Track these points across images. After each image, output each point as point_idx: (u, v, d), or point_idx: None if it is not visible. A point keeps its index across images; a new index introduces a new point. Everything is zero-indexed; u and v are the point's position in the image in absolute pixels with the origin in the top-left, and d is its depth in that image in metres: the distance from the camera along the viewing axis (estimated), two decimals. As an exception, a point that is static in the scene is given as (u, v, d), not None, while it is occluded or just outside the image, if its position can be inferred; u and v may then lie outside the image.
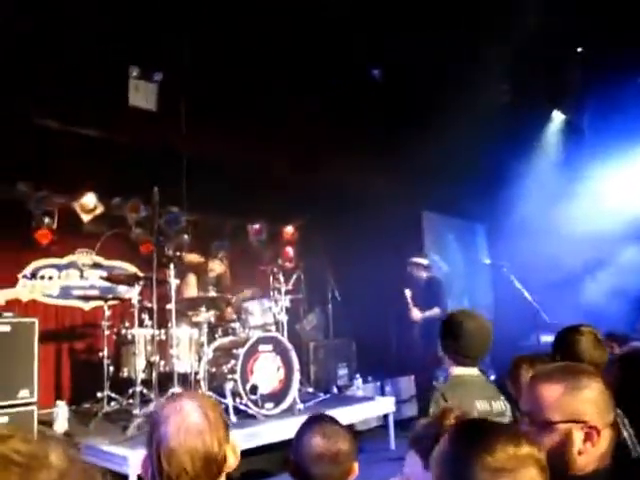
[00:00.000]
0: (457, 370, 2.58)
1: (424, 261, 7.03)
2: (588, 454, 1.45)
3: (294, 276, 7.08)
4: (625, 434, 1.82)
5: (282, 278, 6.54)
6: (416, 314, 6.71)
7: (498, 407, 2.51)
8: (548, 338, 6.72)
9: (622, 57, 5.98)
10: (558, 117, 7.67)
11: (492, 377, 7.37)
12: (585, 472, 1.45)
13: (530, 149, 7.82)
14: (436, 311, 6.57)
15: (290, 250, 8.17)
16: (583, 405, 1.48)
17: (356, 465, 1.91)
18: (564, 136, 7.79)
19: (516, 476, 1.09)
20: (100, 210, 6.60)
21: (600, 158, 7.19)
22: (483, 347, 2.62)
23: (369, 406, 6.31)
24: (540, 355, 2.97)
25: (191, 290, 6.27)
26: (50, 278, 6.43)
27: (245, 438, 4.83)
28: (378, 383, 7.42)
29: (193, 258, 6.55)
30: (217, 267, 6.58)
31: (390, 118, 7.06)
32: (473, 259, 9.88)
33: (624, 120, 6.74)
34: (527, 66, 5.98)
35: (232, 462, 1.48)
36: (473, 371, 2.62)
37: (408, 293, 6.77)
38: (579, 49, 6.04)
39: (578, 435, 1.46)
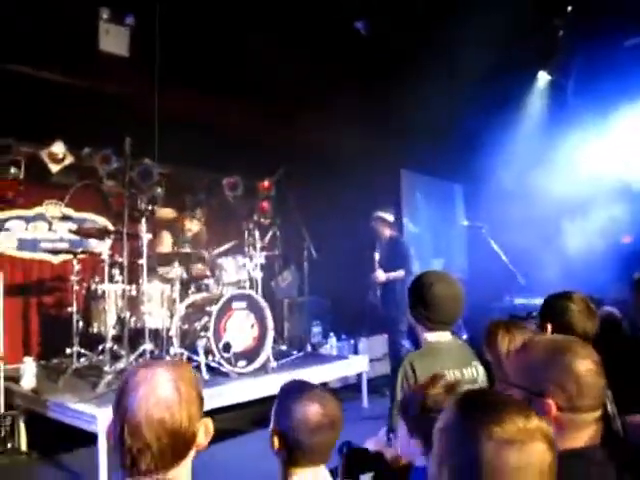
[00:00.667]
0: (429, 336, 2.50)
1: (389, 217, 6.70)
2: (556, 429, 1.41)
3: (269, 233, 6.97)
4: (609, 408, 1.78)
5: (257, 234, 6.42)
6: (380, 275, 6.44)
7: (470, 374, 2.46)
8: (522, 300, 6.81)
9: (610, 19, 5.86)
10: (543, 78, 7.54)
11: (464, 336, 7.45)
12: (565, 448, 1.40)
13: (513, 110, 7.71)
14: (401, 273, 6.31)
15: (266, 205, 8.03)
16: (548, 380, 1.47)
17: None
18: (548, 98, 7.69)
19: (525, 449, 1.04)
20: (69, 160, 6.37)
21: (583, 122, 7.13)
22: (455, 311, 2.51)
23: (343, 364, 6.33)
24: (516, 321, 2.93)
25: (165, 248, 6.11)
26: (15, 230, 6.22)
27: (218, 396, 4.81)
28: (352, 341, 7.43)
29: (167, 213, 6.39)
30: (194, 227, 6.43)
31: (370, 75, 6.87)
32: (450, 220, 9.86)
33: (609, 84, 6.65)
34: (514, 25, 5.81)
35: (202, 440, 1.38)
36: (446, 336, 2.54)
37: (377, 255, 6.56)
38: (569, 8, 5.89)
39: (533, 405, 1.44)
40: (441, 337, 2.50)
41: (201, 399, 1.38)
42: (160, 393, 1.30)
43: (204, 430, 1.38)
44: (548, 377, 1.48)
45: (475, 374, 2.46)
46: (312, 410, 1.76)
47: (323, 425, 1.76)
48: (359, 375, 6.46)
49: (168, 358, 5.03)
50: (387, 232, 6.62)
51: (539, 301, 2.83)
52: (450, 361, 2.42)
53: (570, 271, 6.82)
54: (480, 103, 6.79)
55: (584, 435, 1.45)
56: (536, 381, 1.49)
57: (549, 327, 2.31)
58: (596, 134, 7.20)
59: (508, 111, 7.56)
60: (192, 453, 1.38)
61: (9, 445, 4.77)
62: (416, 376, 2.31)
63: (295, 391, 1.85)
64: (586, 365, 1.47)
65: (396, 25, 6.22)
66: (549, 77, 7.52)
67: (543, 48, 6.74)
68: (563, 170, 7.14)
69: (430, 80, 6.56)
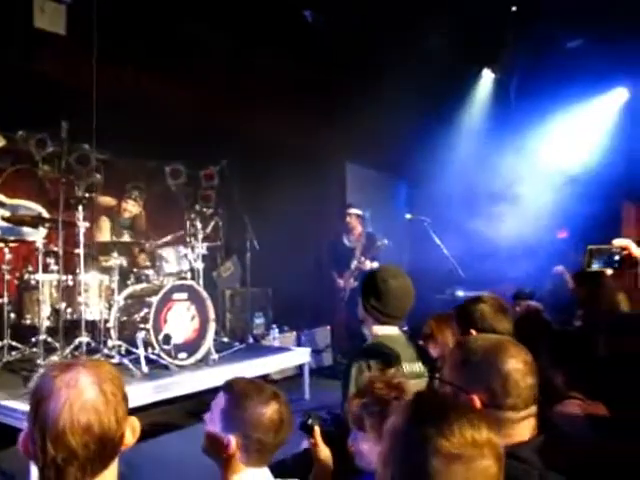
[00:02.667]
0: (380, 330, 2.52)
1: (362, 213, 7.22)
2: None
3: (212, 223, 6.86)
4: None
5: (199, 224, 6.30)
6: (369, 264, 6.79)
7: (417, 368, 2.49)
8: (462, 293, 6.94)
9: (553, 21, 6.01)
10: (488, 76, 7.68)
11: (404, 327, 7.58)
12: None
13: (458, 106, 7.83)
14: (368, 264, 6.78)
15: (210, 194, 7.89)
16: (472, 376, 1.50)
17: None
18: (492, 96, 7.84)
19: (472, 465, 1.01)
20: (1, 143, 6.07)
21: (524, 119, 7.31)
22: (406, 306, 2.58)
23: (285, 356, 6.30)
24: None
25: (104, 234, 5.93)
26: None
27: (157, 389, 4.71)
28: (294, 333, 7.41)
29: (107, 201, 6.19)
30: (131, 207, 6.25)
31: (317, 67, 6.83)
32: (393, 213, 9.95)
33: (550, 84, 6.83)
34: (461, 22, 5.89)
35: (130, 441, 1.31)
36: (395, 330, 2.58)
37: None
38: (514, 8, 6.00)
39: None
40: (390, 331, 2.52)
41: (126, 399, 1.31)
42: (84, 397, 1.21)
43: (131, 430, 1.32)
44: (476, 374, 1.50)
45: (422, 369, 2.50)
46: (273, 409, 1.76)
47: (284, 423, 1.76)
48: (301, 367, 6.45)
49: (98, 356, 4.90)
50: (360, 227, 7.17)
51: (479, 293, 2.87)
52: (398, 355, 2.43)
53: (507, 265, 7.00)
54: (426, 99, 6.86)
55: (510, 433, 1.46)
56: (465, 378, 1.51)
57: (473, 332, 2.35)
58: (536, 132, 7.39)
59: (453, 108, 7.68)
60: (118, 455, 1.31)
61: None
62: (370, 370, 2.32)
63: (249, 391, 1.80)
64: (515, 364, 1.49)
65: (344, 17, 6.19)
66: (493, 75, 7.66)
67: (488, 46, 6.85)
68: (505, 167, 7.31)
69: (377, 75, 6.60)
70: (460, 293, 6.80)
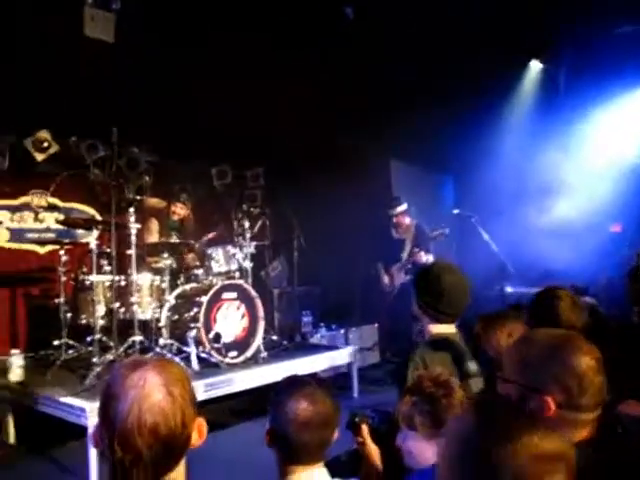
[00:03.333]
0: (436, 328, 2.46)
1: (404, 207, 6.96)
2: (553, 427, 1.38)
3: (259, 222, 6.92)
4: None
5: (247, 224, 6.37)
6: (424, 256, 6.52)
7: (473, 368, 2.42)
8: (512, 289, 6.81)
9: (601, 7, 5.82)
10: (535, 67, 7.49)
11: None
12: None
13: (505, 98, 7.67)
14: (422, 255, 6.50)
15: (256, 193, 7.96)
16: (547, 377, 1.41)
17: (337, 431, 1.83)
18: (540, 87, 7.64)
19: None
20: (55, 149, 6.28)
21: (575, 111, 7.11)
22: (463, 303, 2.48)
23: (333, 354, 6.29)
24: (508, 313, 2.91)
25: (153, 236, 6.05)
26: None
27: (208, 387, 4.78)
28: (342, 331, 7.41)
29: (155, 203, 6.31)
30: (180, 210, 6.35)
31: (359, 65, 6.78)
32: (440, 209, 9.84)
33: (600, 73, 6.62)
34: (508, 12, 5.76)
35: (197, 442, 1.32)
36: (451, 329, 2.51)
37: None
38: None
39: (528, 403, 1.41)
40: (448, 329, 2.46)
41: (194, 400, 1.31)
42: (152, 399, 1.22)
43: (198, 431, 1.33)
44: (548, 373, 1.41)
45: (476, 368, 2.43)
46: (301, 407, 1.74)
47: (311, 423, 1.73)
48: (348, 365, 6.44)
49: (151, 355, 4.99)
50: (407, 220, 6.93)
51: (528, 289, 2.81)
52: (458, 354, 2.38)
53: (558, 259, 6.83)
54: (472, 92, 6.74)
55: (579, 434, 1.40)
56: (534, 377, 1.43)
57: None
58: (587, 122, 7.18)
59: (500, 100, 7.52)
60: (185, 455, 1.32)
61: (-3, 439, 4.73)
62: (427, 369, 2.28)
63: (288, 387, 1.83)
64: (588, 362, 1.41)
65: (384, 13, 6.13)
66: (541, 66, 7.48)
67: (535, 36, 6.69)
68: (555, 160, 7.13)
69: (421, 69, 6.52)
70: (509, 289, 6.66)
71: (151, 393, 1.23)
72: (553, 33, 6.64)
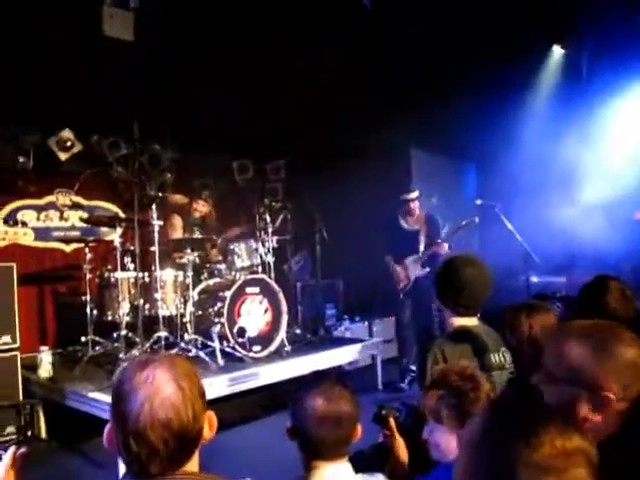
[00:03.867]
0: (457, 321, 2.45)
1: (417, 193, 6.54)
2: (593, 424, 1.35)
3: (281, 216, 6.93)
4: None
5: (269, 218, 6.39)
6: (446, 247, 6.19)
7: (498, 360, 2.40)
8: (537, 279, 6.74)
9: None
10: (557, 52, 7.36)
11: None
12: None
13: (527, 85, 7.55)
14: (445, 247, 6.20)
15: (278, 187, 7.97)
16: (602, 371, 1.37)
17: (359, 427, 1.83)
18: (563, 73, 7.51)
19: (562, 476, 0.93)
20: (78, 148, 6.35)
21: (597, 97, 6.98)
22: (484, 295, 2.47)
23: (357, 347, 6.30)
24: (538, 304, 2.87)
25: (177, 232, 6.08)
26: (26, 223, 6.20)
27: (233, 382, 4.81)
28: (366, 323, 7.41)
29: (178, 199, 6.35)
30: (202, 207, 6.38)
31: (378, 52, 6.73)
32: (463, 199, 9.76)
33: (623, 58, 6.49)
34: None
35: (208, 435, 1.35)
36: (473, 321, 2.50)
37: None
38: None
39: (585, 401, 1.37)
40: (469, 322, 2.45)
41: (203, 394, 1.34)
42: (162, 394, 1.24)
43: (209, 424, 1.35)
44: (601, 367, 1.38)
45: (503, 360, 2.41)
46: (317, 403, 1.75)
47: (326, 419, 1.74)
48: (373, 357, 6.44)
49: (176, 350, 5.05)
50: (419, 209, 6.55)
51: (553, 279, 2.78)
52: (478, 346, 2.37)
53: (582, 248, 6.74)
54: (493, 79, 6.66)
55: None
56: (587, 373, 1.39)
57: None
58: (610, 108, 7.05)
59: (521, 87, 7.41)
60: (199, 448, 1.35)
61: (29, 433, 4.81)
62: (446, 362, 2.27)
63: (308, 384, 1.84)
64: (635, 350, 1.39)
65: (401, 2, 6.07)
66: (563, 51, 7.34)
67: (557, 21, 6.57)
68: (578, 147, 7.02)
69: (440, 57, 6.44)
70: (534, 279, 6.59)
71: (161, 389, 1.25)
72: (574, 18, 6.52)
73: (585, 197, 7.17)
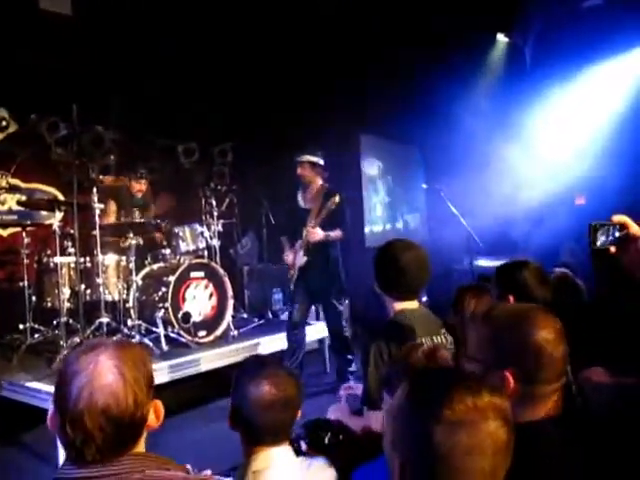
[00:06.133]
0: (398, 306, 2.47)
1: (320, 161, 5.31)
2: (516, 402, 1.38)
3: (227, 200, 6.85)
4: (569, 378, 1.77)
5: (214, 202, 6.30)
6: (318, 232, 5.04)
7: (440, 342, 2.44)
8: (481, 262, 6.89)
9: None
10: (502, 40, 7.48)
11: (424, 299, 7.53)
12: (524, 420, 1.38)
13: (472, 73, 7.65)
14: (339, 234, 5.12)
15: (224, 171, 7.85)
16: (503, 352, 1.42)
17: (300, 410, 1.83)
18: (507, 61, 7.64)
19: (476, 429, 0.98)
20: (14, 128, 6.08)
21: (541, 84, 7.13)
22: (423, 279, 2.51)
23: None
24: (484, 286, 2.93)
25: (110, 217, 5.87)
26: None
27: (178, 367, 4.74)
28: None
29: (110, 182, 6.17)
30: (143, 186, 6.19)
31: (326, 39, 6.70)
32: (409, 183, 9.88)
33: (567, 47, 6.64)
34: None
35: (153, 423, 1.32)
36: (414, 304, 2.53)
37: (301, 203, 5.28)
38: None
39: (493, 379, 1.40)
40: (410, 305, 2.47)
41: (150, 381, 1.31)
42: (103, 380, 1.22)
43: (155, 413, 1.33)
44: (506, 348, 1.42)
45: (445, 341, 2.45)
46: (263, 390, 1.74)
47: (274, 405, 1.73)
48: (320, 341, 6.46)
49: (119, 336, 4.95)
50: (319, 181, 5.26)
51: (496, 262, 2.84)
52: (421, 329, 2.39)
53: (525, 233, 6.92)
54: (439, 66, 6.72)
55: (543, 407, 1.41)
56: (495, 353, 1.44)
57: (511, 298, 2.30)
58: (553, 96, 7.22)
59: (467, 74, 7.51)
60: (144, 435, 1.32)
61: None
62: (390, 349, 2.28)
63: (250, 369, 1.82)
64: (545, 334, 1.41)
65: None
66: (507, 40, 7.47)
67: (501, 9, 6.67)
68: (520, 132, 7.18)
69: (390, 43, 6.46)
70: (480, 263, 6.73)
71: (102, 374, 1.23)
72: (520, 6, 6.63)
73: (528, 182, 7.35)
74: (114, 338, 4.72)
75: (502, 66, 7.71)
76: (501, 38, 7.49)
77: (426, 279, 2.51)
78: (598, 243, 1.58)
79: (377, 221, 9.68)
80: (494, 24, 7.28)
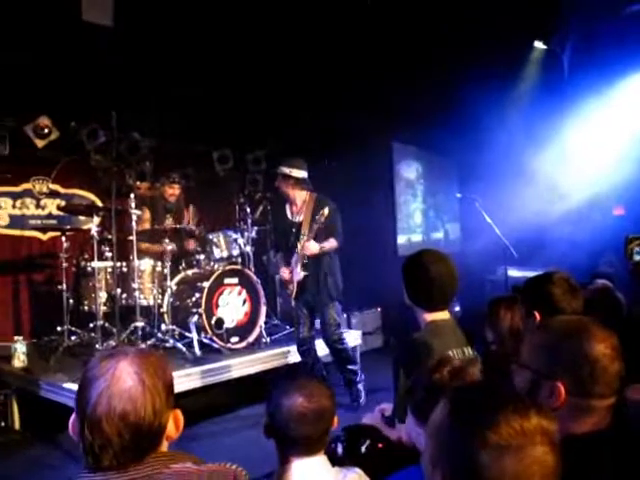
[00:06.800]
0: (430, 317, 2.44)
1: (300, 173, 5.07)
2: (565, 413, 1.36)
3: (261, 207, 6.90)
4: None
5: (249, 209, 6.36)
6: (312, 246, 4.87)
7: (469, 354, 2.41)
8: (515, 273, 6.79)
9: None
10: (539, 48, 7.37)
11: (457, 308, 7.46)
12: (572, 432, 1.36)
13: (508, 81, 7.57)
14: (333, 244, 4.99)
15: (258, 178, 7.93)
16: (555, 362, 1.41)
17: (336, 418, 1.83)
18: (544, 69, 7.53)
19: (523, 454, 0.94)
20: (55, 135, 6.23)
21: (579, 93, 7.01)
22: (453, 289, 2.46)
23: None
24: (516, 298, 2.89)
25: (144, 224, 5.90)
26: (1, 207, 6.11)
27: (210, 373, 4.79)
28: (345, 315, 7.40)
29: (144, 189, 6.27)
30: (176, 191, 6.25)
31: (363, 48, 6.71)
32: (443, 192, 9.80)
33: (606, 55, 6.52)
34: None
35: (172, 432, 1.33)
36: (445, 315, 2.50)
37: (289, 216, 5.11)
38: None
39: (542, 388, 1.41)
40: (441, 316, 2.45)
41: (169, 389, 1.32)
42: (122, 386, 1.23)
43: (174, 422, 1.33)
44: (560, 359, 1.41)
45: (472, 355, 2.42)
46: (296, 402, 1.74)
47: (307, 416, 1.73)
48: (352, 349, 6.43)
49: (153, 341, 5.03)
50: (301, 192, 5.08)
51: (531, 273, 2.79)
52: (453, 341, 2.36)
53: (561, 243, 6.80)
54: (474, 74, 6.67)
55: (593, 421, 1.39)
56: (547, 363, 1.42)
57: (537, 315, 2.27)
58: (592, 105, 7.09)
59: (503, 82, 7.44)
60: (164, 444, 1.32)
61: (2, 424, 4.77)
62: (422, 359, 2.26)
63: (284, 381, 1.82)
64: (603, 349, 1.39)
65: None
66: (545, 47, 7.37)
67: (539, 16, 6.59)
68: (558, 143, 7.07)
69: (423, 52, 6.44)
70: (513, 273, 6.64)
71: (121, 380, 1.24)
72: (557, 14, 6.54)
73: (566, 192, 7.23)
74: (145, 345, 4.81)
75: (539, 74, 7.61)
76: (538, 45, 7.38)
77: (456, 289, 2.49)
78: (635, 257, 1.56)
79: (416, 229, 9.46)
80: (531, 31, 7.20)
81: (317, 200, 5.02)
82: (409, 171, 9.40)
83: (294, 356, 5.36)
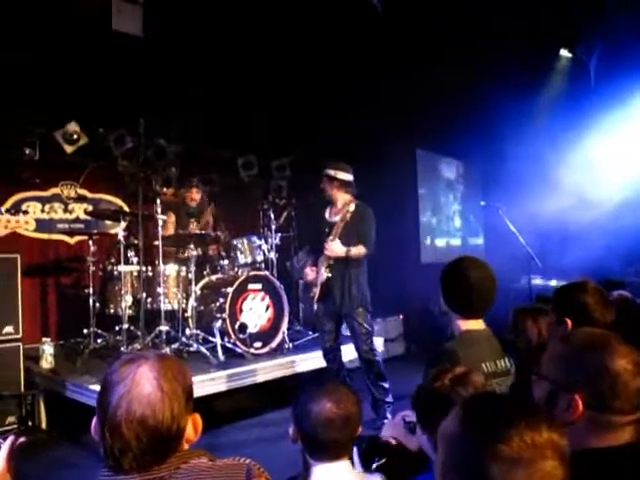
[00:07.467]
0: (465, 325, 2.41)
1: (347, 176, 4.96)
2: (569, 423, 1.35)
3: (285, 213, 6.94)
4: None
5: (273, 215, 6.41)
6: (337, 247, 4.67)
7: (503, 365, 2.35)
8: (539, 282, 6.74)
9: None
10: (565, 56, 7.32)
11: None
12: (590, 446, 1.35)
13: (533, 90, 7.52)
14: (362, 250, 4.74)
15: (282, 185, 7.98)
16: (574, 374, 1.40)
17: (360, 425, 1.85)
18: (570, 78, 7.47)
19: (533, 467, 0.94)
20: (84, 141, 6.35)
21: (605, 101, 6.94)
22: (491, 298, 2.39)
23: (358, 345, 6.28)
24: (540, 308, 2.87)
25: (169, 229, 5.99)
26: (27, 212, 6.20)
27: (233, 377, 4.83)
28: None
29: (168, 195, 6.35)
30: (196, 195, 6.31)
31: (387, 54, 6.73)
32: (466, 199, 9.76)
33: (633, 64, 6.45)
34: (536, 2, 5.66)
35: (191, 436, 1.35)
36: (480, 325, 2.46)
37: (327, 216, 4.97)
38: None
39: (560, 399, 1.40)
40: (477, 325, 2.41)
41: (188, 394, 1.33)
42: (141, 391, 1.25)
43: (193, 427, 1.35)
44: (580, 371, 1.39)
45: (508, 365, 2.36)
46: (324, 407, 1.76)
47: (334, 422, 1.75)
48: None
49: (177, 345, 5.09)
50: (344, 195, 4.92)
51: (556, 283, 2.77)
52: (486, 351, 2.31)
53: (586, 252, 6.72)
54: (499, 82, 6.65)
55: (611, 437, 1.37)
56: (566, 374, 1.41)
57: (569, 322, 2.24)
58: (618, 114, 7.01)
59: (528, 90, 7.40)
60: (184, 447, 1.34)
61: (30, 423, 4.84)
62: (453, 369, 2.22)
63: (312, 386, 1.84)
64: (625, 364, 1.37)
65: (411, 5, 6.06)
66: (571, 55, 7.31)
67: (565, 25, 6.55)
68: (584, 151, 7.00)
69: (450, 59, 6.44)
70: (537, 282, 6.58)
71: (141, 385, 1.26)
72: (583, 22, 6.50)
73: (592, 201, 7.15)
74: (166, 350, 4.87)
75: (565, 82, 7.55)
76: (564, 53, 7.33)
77: (494, 298, 2.45)
78: None
79: (455, 233, 9.36)
80: (557, 39, 7.15)
81: (356, 205, 4.82)
82: (449, 171, 9.33)
83: (317, 362, 5.37)
